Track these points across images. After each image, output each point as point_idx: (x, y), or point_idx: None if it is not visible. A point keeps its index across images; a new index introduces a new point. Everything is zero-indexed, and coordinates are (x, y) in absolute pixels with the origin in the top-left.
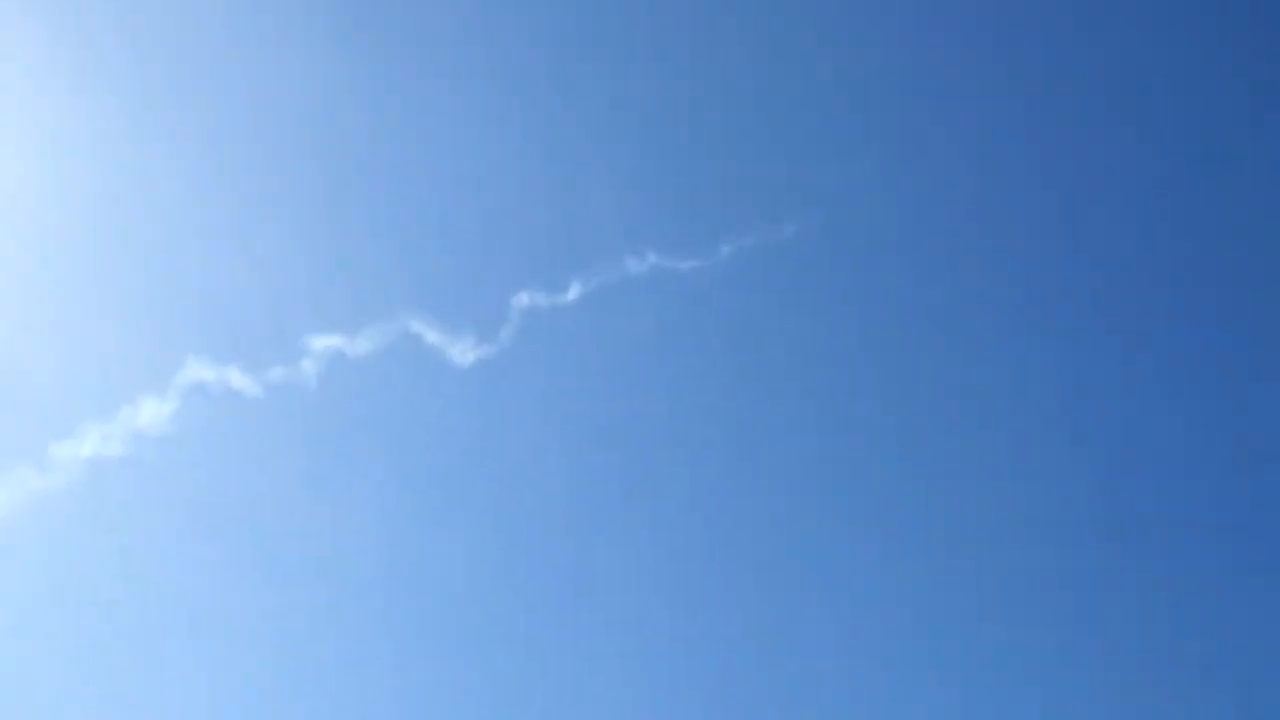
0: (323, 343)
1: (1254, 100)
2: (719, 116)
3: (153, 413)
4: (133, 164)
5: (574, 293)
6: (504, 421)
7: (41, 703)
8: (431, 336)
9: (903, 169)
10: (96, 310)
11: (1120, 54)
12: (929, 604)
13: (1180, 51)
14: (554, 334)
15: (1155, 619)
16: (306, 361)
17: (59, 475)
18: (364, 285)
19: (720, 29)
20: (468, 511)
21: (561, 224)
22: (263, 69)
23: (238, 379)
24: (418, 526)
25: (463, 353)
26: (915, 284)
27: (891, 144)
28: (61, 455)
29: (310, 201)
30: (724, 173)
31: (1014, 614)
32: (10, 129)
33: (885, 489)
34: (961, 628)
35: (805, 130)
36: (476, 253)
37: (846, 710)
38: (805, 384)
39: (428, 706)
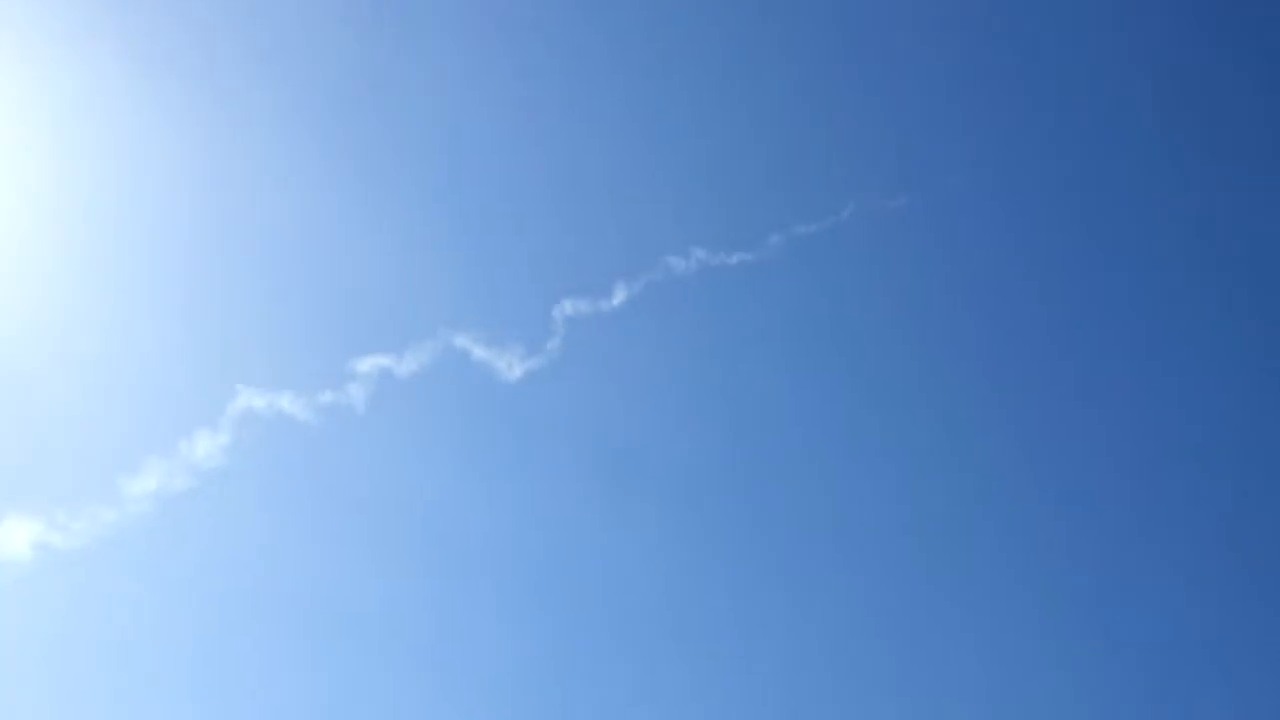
0: (369, 364)
1: None
2: (751, 107)
3: (208, 444)
4: (164, 191)
5: (619, 297)
6: (555, 434)
7: None
8: (478, 351)
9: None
10: (147, 342)
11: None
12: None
13: None
14: (601, 341)
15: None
16: (354, 385)
17: (129, 508)
18: (407, 303)
19: (753, 23)
20: (524, 527)
21: (600, 227)
22: (291, 78)
23: (289, 405)
24: (476, 545)
25: (510, 366)
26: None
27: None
28: (129, 489)
29: (347, 221)
30: (765, 164)
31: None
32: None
33: (935, 493)
34: (987, 635)
35: (844, 118)
36: (517, 263)
37: None
38: (861, 379)
39: None
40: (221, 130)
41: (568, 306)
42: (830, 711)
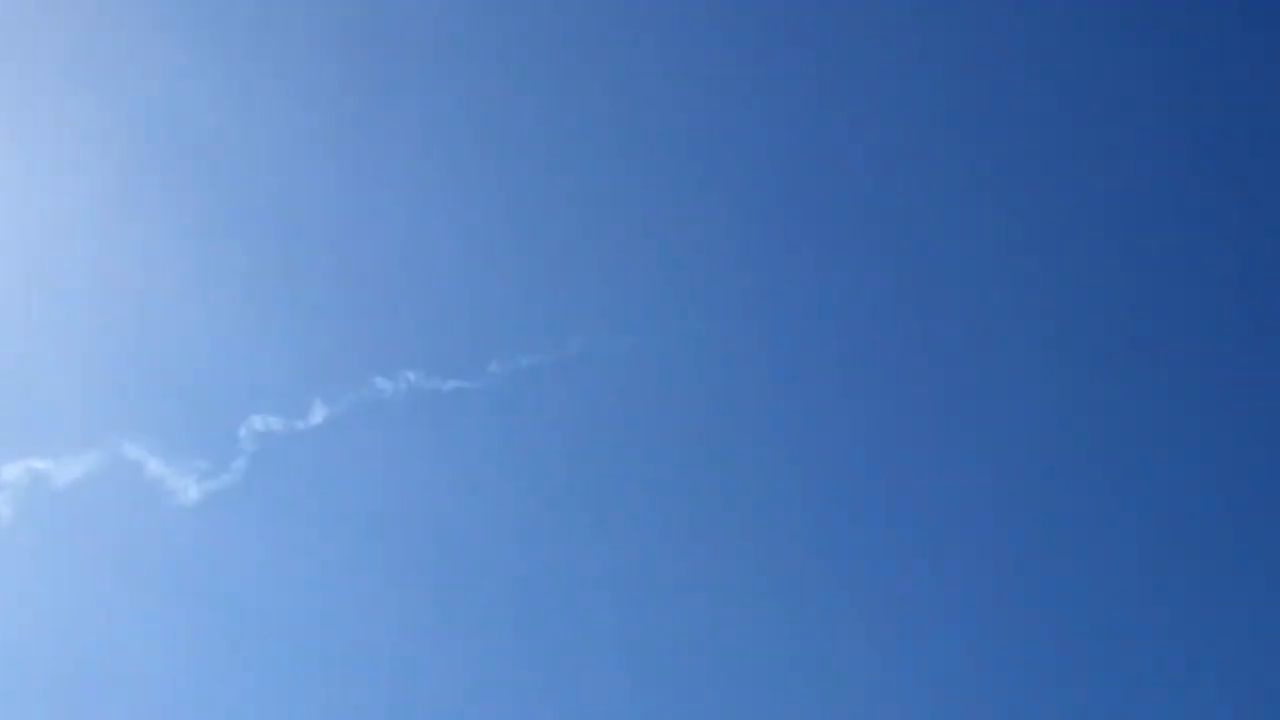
0: (20, 468)
1: None
2: (483, 237)
3: None
4: None
5: (317, 416)
6: (233, 561)
7: None
8: (152, 465)
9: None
10: None
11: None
12: None
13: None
14: (293, 462)
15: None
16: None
17: None
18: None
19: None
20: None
21: (302, 347)
22: None
23: None
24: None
25: (187, 485)
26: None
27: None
28: None
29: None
30: (494, 291)
31: None
32: None
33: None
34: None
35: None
36: (204, 374)
37: None
38: (576, 513)
39: None
40: None
41: (257, 423)
42: None
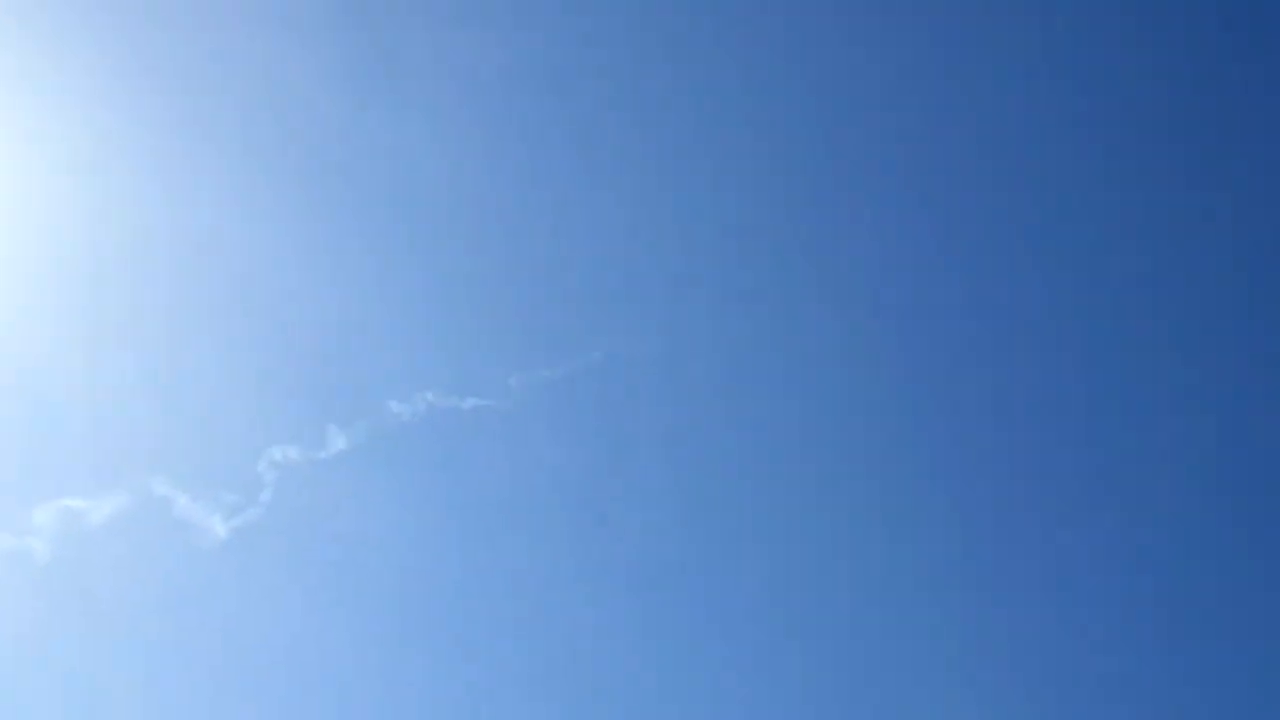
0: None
1: None
2: (489, 252)
3: None
4: None
5: (337, 445)
6: (264, 596)
7: None
8: (181, 503)
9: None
10: None
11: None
12: None
13: None
14: (315, 492)
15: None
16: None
17: None
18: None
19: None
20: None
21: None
22: None
23: None
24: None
25: (214, 522)
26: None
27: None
28: None
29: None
30: (508, 306)
31: None
32: None
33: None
34: None
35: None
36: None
37: None
38: (604, 530)
39: None
40: None
41: (276, 454)
42: None
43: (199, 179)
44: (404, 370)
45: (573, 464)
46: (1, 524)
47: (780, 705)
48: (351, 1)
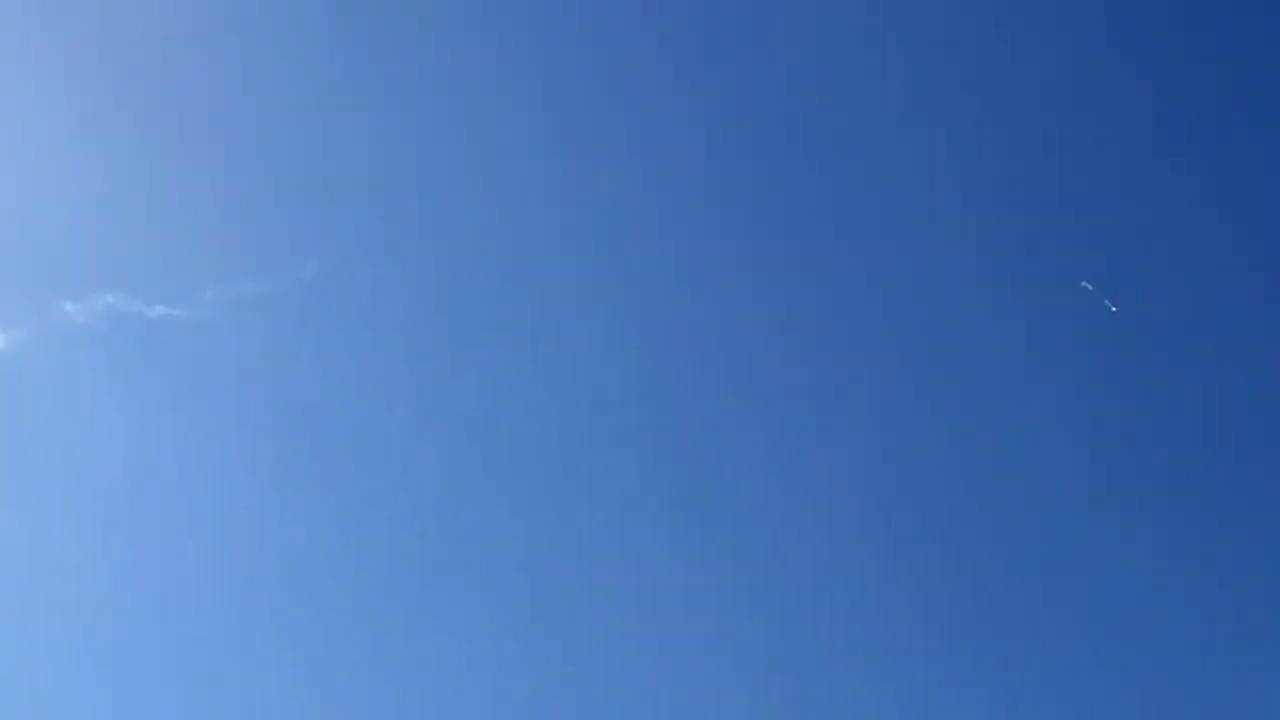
0: None
1: None
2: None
3: None
4: None
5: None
6: None
7: None
8: None
9: None
10: None
11: None
12: None
13: None
14: None
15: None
16: None
17: None
18: None
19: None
20: None
21: None
22: None
23: None
24: None
25: None
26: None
27: None
28: None
29: None
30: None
31: None
32: None
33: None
34: None
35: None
36: None
37: None
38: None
39: None
40: None
41: None
42: None
43: None
44: (83, 269)
45: (265, 384)
46: None
47: None
48: None
